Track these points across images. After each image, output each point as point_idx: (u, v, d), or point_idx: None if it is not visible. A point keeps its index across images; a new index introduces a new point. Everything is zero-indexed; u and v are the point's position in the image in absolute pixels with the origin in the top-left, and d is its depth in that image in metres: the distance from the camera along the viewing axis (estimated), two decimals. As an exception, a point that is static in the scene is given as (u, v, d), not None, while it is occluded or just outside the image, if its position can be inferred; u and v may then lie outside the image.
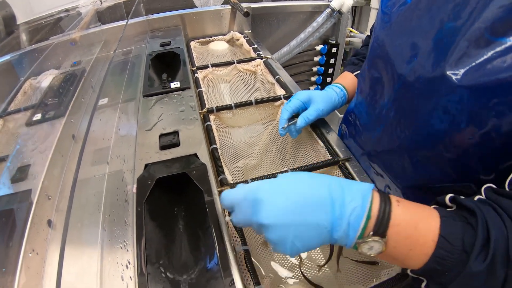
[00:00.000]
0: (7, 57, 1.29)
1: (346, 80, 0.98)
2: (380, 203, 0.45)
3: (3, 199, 0.70)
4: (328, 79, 1.95)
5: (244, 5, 1.47)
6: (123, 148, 0.81)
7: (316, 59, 1.88)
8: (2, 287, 0.54)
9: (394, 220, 0.44)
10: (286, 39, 1.71)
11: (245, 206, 0.48)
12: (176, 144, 0.78)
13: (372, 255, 0.45)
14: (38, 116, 0.91)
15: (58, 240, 0.65)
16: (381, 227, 0.43)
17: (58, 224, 0.67)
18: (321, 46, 1.84)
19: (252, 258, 0.64)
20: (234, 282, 0.54)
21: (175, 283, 0.59)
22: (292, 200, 0.45)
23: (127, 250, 0.60)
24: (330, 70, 1.91)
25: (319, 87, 1.99)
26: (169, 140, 0.79)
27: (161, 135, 0.81)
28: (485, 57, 0.48)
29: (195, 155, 0.75)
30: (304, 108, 0.91)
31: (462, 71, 0.51)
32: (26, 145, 0.83)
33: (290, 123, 0.88)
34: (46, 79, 1.18)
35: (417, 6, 0.63)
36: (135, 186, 0.68)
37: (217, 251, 0.58)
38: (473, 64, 0.49)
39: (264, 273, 0.73)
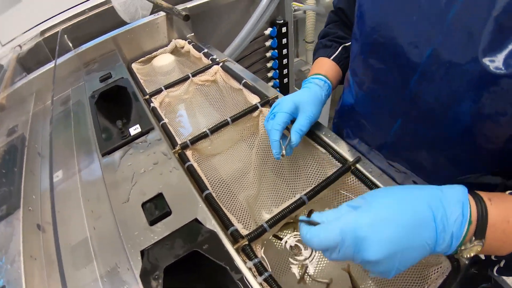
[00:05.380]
0: None
1: (325, 68, 0.84)
2: (477, 207, 0.44)
3: None
4: (285, 61, 1.82)
5: (178, 7, 1.29)
6: (105, 235, 0.64)
7: (268, 43, 1.74)
8: None
9: (490, 220, 0.43)
10: (232, 32, 1.55)
11: (345, 247, 0.43)
12: (167, 213, 0.63)
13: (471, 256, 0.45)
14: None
15: None
16: (481, 230, 0.43)
17: None
18: (269, 29, 1.69)
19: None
20: None
21: None
22: (396, 228, 0.42)
23: None
24: (285, 51, 1.78)
25: (277, 71, 1.86)
26: (156, 209, 0.63)
27: (144, 204, 0.65)
28: None
29: (196, 220, 0.61)
30: (292, 118, 0.77)
31: (500, 57, 0.44)
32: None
33: (285, 145, 0.74)
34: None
35: None
36: (140, 289, 0.53)
37: None
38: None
39: None
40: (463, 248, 0.44)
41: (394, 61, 0.59)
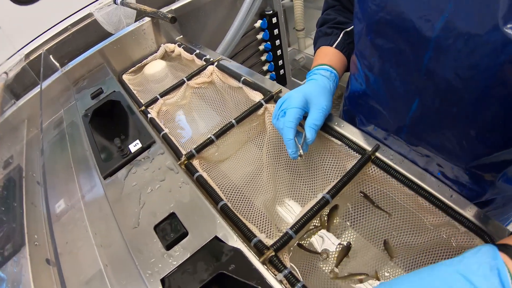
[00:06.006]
0: None
1: (329, 57, 0.79)
2: None
3: None
4: (279, 52, 1.76)
5: (163, 10, 1.23)
6: (120, 266, 0.59)
7: (259, 36, 1.68)
8: None
9: None
10: (222, 29, 1.49)
11: None
12: (184, 234, 0.57)
13: None
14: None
15: None
16: None
17: None
18: (259, 21, 1.64)
19: None
20: None
21: None
22: None
23: None
24: (278, 42, 1.73)
25: (273, 64, 1.80)
26: (171, 231, 0.58)
27: (156, 227, 0.60)
28: None
29: (216, 238, 0.55)
30: (304, 113, 0.71)
31: None
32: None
33: (301, 143, 0.69)
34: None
35: None
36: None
37: None
38: None
39: None
40: None
41: (404, 38, 0.55)
